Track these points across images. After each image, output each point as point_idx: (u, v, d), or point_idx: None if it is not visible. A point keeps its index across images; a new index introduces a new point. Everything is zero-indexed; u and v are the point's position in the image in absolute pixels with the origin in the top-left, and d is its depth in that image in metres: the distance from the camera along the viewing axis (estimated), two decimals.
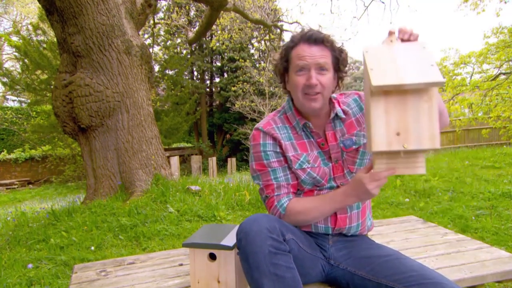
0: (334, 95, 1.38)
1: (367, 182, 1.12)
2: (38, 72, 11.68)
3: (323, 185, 1.32)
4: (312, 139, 1.34)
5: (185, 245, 1.44)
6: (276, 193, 1.31)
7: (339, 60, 1.28)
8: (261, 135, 1.33)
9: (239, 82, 16.20)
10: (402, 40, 1.09)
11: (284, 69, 1.32)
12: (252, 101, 15.04)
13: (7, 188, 12.70)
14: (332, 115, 1.32)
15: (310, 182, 1.32)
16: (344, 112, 1.35)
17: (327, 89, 1.25)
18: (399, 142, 1.02)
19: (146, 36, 14.57)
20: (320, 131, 1.34)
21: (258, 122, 1.43)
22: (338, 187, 1.33)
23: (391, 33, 1.10)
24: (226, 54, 17.87)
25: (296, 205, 1.29)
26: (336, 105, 1.35)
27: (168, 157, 9.36)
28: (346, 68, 1.32)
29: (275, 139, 1.31)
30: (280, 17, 12.36)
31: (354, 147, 1.33)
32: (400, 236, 1.89)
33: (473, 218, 3.41)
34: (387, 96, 1.03)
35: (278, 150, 1.31)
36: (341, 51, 1.28)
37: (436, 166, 5.79)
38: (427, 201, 4.12)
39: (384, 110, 1.03)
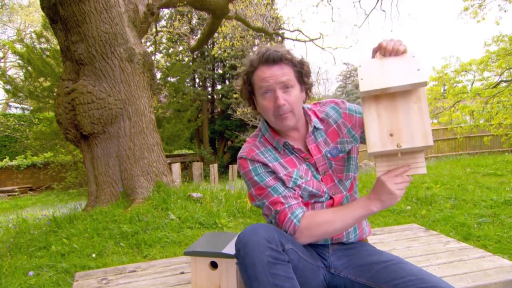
0: (308, 105, 1.39)
1: (387, 180, 1.12)
2: (41, 79, 11.77)
3: (321, 196, 1.31)
4: (296, 155, 1.33)
5: (187, 253, 1.44)
6: (286, 205, 1.24)
7: (302, 73, 1.27)
8: (248, 162, 1.31)
9: None
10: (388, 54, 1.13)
11: (249, 93, 1.32)
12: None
13: (8, 195, 12.71)
14: (311, 128, 1.32)
15: (307, 195, 1.31)
16: (322, 121, 1.36)
17: (296, 106, 1.25)
18: (393, 142, 1.08)
19: (148, 44, 14.70)
20: (301, 145, 1.33)
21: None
22: (331, 198, 1.33)
23: (374, 51, 1.17)
24: (227, 61, 17.96)
25: (315, 217, 1.23)
26: (313, 116, 1.35)
27: (170, 164, 9.38)
28: (311, 79, 1.32)
29: (262, 163, 1.30)
30: (282, 25, 12.46)
31: (341, 155, 1.34)
32: (402, 244, 1.88)
33: (475, 226, 3.39)
34: (378, 101, 1.11)
35: (269, 170, 1.30)
36: (302, 64, 1.27)
37: (437, 174, 5.77)
38: (429, 209, 4.10)
39: (376, 113, 1.11)
